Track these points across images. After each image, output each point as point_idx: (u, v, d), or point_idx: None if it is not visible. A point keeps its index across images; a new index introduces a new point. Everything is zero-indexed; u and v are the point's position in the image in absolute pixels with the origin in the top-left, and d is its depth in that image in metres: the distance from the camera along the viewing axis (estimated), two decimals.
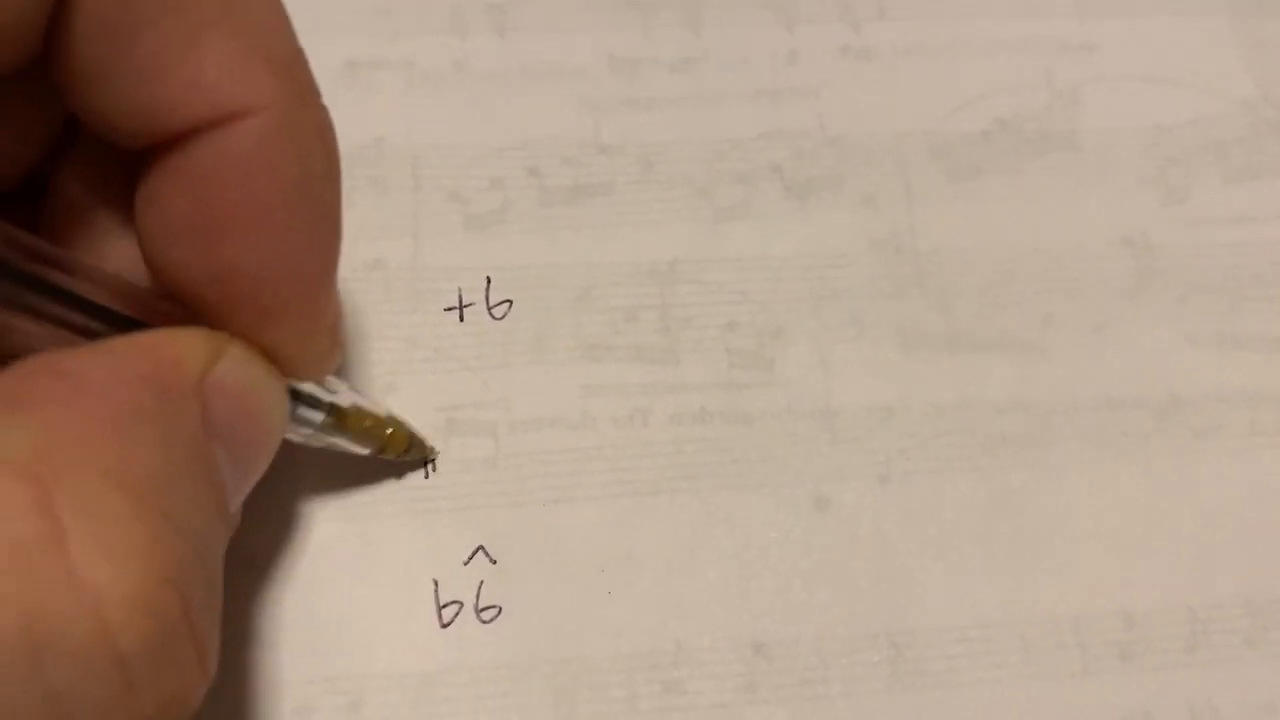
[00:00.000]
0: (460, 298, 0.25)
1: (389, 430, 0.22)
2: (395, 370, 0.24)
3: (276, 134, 0.16)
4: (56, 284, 0.15)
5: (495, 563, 0.22)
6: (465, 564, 0.22)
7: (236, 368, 0.16)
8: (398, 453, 0.22)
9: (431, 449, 0.23)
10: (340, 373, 0.22)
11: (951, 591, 0.23)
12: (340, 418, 0.21)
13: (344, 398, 0.21)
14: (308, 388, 0.20)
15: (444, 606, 0.22)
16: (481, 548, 0.22)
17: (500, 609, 0.22)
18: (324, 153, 0.17)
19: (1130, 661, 0.23)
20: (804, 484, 0.23)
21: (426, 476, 0.23)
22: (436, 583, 0.22)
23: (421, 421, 0.23)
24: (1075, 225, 0.26)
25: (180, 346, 0.15)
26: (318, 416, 0.20)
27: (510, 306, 0.25)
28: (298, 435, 0.20)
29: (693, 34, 0.28)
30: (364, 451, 0.22)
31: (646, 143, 0.26)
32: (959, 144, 0.27)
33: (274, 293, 0.16)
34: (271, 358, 0.17)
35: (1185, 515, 0.24)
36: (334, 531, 0.22)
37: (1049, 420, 0.24)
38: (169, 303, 0.16)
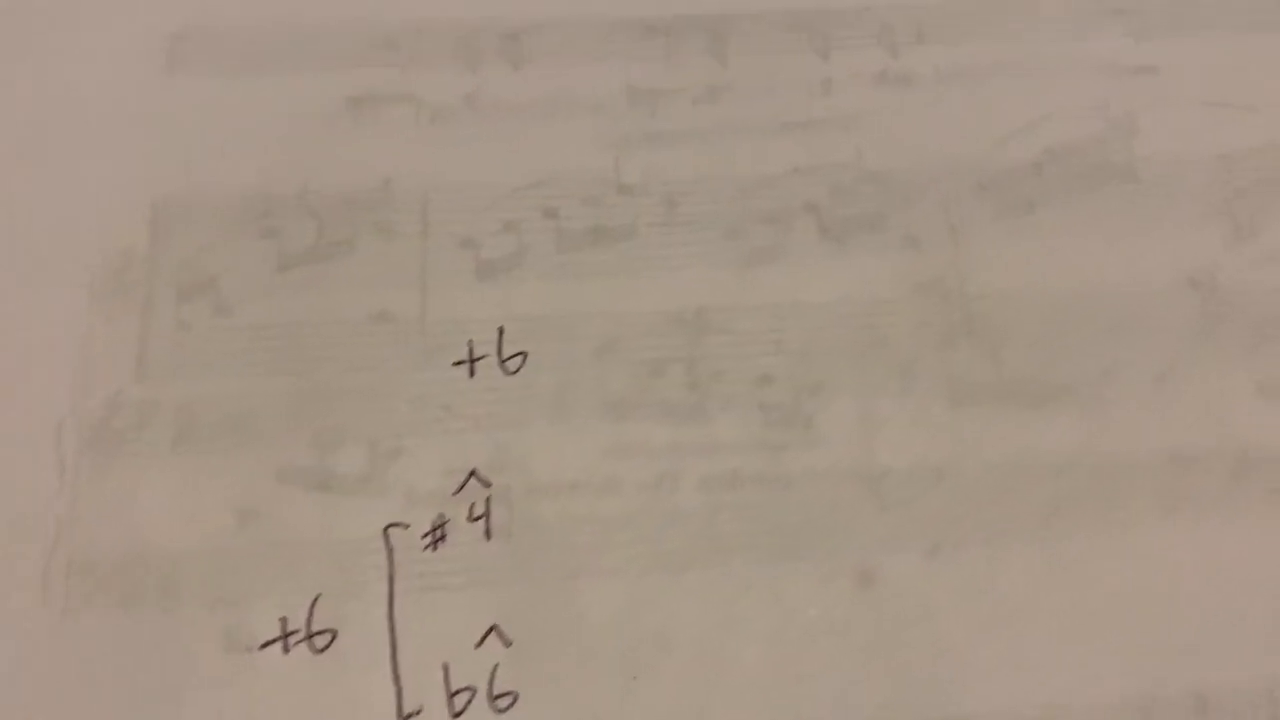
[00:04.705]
0: (471, 350, 0.23)
1: None
2: (401, 432, 0.23)
3: None
4: None
5: (510, 644, 0.21)
6: (477, 646, 0.21)
7: None
8: None
9: None
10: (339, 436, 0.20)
11: (1011, 673, 0.21)
12: None
13: None
14: None
15: (455, 694, 0.21)
16: (495, 627, 0.21)
17: (516, 696, 0.21)
18: None
19: None
20: (848, 555, 0.22)
21: (435, 548, 0.22)
22: (447, 667, 0.21)
23: (431, 486, 0.22)
24: (1135, 265, 0.25)
25: None
26: None
27: (524, 360, 0.24)
28: None
29: (718, 62, 0.27)
30: None
31: (670, 180, 0.26)
32: (1008, 177, 0.26)
33: None
34: None
35: (1262, 584, 0.22)
36: (336, 614, 0.21)
37: (1111, 480, 0.23)
38: None
